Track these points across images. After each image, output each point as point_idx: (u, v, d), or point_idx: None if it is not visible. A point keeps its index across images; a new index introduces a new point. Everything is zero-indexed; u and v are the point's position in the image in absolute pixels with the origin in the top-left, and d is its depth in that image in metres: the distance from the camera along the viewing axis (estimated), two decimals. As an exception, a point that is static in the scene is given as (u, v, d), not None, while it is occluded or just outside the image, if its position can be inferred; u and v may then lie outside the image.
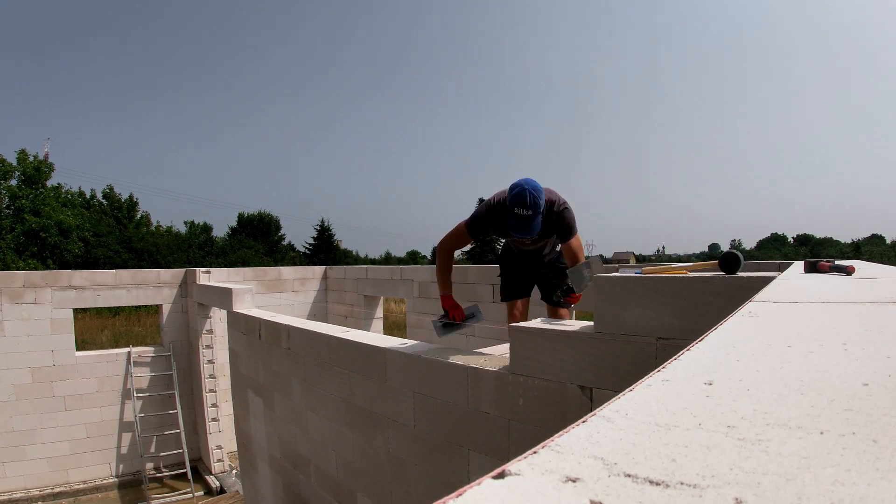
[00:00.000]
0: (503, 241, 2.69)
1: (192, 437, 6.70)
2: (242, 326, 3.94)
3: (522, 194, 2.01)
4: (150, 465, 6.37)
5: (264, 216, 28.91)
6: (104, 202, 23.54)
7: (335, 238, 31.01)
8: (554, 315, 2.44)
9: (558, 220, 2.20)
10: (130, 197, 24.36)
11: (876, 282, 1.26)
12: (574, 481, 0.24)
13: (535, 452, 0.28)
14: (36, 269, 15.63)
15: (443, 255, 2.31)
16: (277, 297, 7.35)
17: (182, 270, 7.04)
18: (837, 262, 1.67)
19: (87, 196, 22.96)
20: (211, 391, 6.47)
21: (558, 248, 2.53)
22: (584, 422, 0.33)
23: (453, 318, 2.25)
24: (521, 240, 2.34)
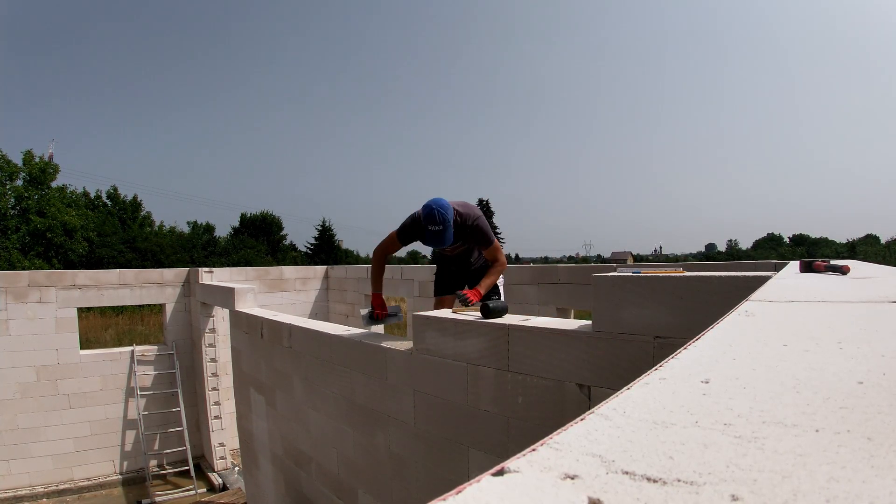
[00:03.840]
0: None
1: (195, 435, 6.73)
2: (245, 325, 3.96)
3: (432, 214, 2.41)
4: (153, 463, 6.41)
5: (266, 216, 28.95)
6: (108, 203, 23.63)
7: (336, 238, 31.05)
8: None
9: (472, 232, 2.56)
10: (134, 198, 24.47)
11: (871, 281, 1.25)
12: (572, 478, 0.25)
13: (533, 450, 0.28)
14: (41, 268, 15.72)
15: (375, 260, 2.67)
16: (279, 297, 7.37)
17: (185, 270, 7.06)
18: (833, 262, 1.67)
19: (92, 196, 23.07)
20: (213, 389, 6.50)
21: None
22: (582, 420, 0.33)
23: (377, 316, 2.62)
24: (442, 249, 2.69)
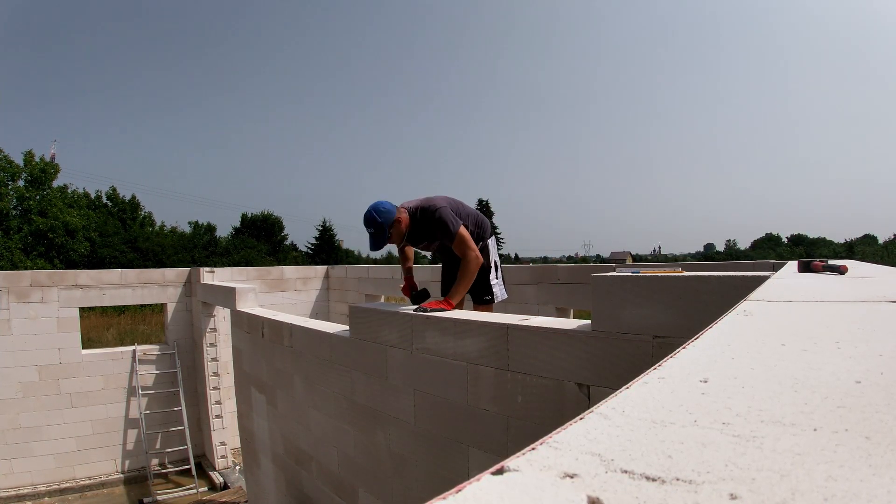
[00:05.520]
0: None
1: (197, 434, 6.74)
2: (246, 325, 3.96)
3: (365, 215, 2.32)
4: (155, 462, 6.42)
5: (267, 217, 28.97)
6: (109, 203, 23.68)
7: (337, 238, 31.07)
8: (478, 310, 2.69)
9: (436, 224, 2.38)
10: (133, 197, 24.52)
11: (868, 281, 1.26)
12: (572, 477, 0.25)
13: (533, 449, 0.28)
14: (43, 268, 15.76)
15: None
16: (280, 297, 7.37)
17: (186, 270, 7.07)
18: (831, 262, 1.67)
19: (93, 197, 23.11)
20: (214, 388, 6.51)
21: (486, 248, 2.69)
22: (581, 419, 0.33)
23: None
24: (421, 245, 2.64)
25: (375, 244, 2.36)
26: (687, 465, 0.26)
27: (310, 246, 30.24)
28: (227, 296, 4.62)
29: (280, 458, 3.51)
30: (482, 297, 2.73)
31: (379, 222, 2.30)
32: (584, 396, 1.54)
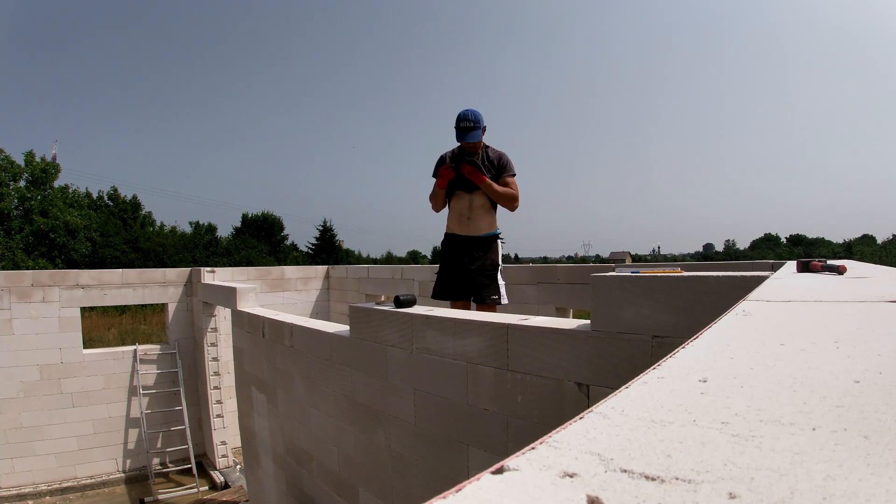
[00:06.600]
0: (443, 237, 3.00)
1: (197, 433, 6.75)
2: (246, 325, 3.97)
3: (465, 112, 2.71)
4: (156, 461, 6.43)
5: (268, 217, 29.00)
6: (110, 203, 23.72)
7: (337, 238, 31.10)
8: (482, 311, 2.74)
9: (500, 160, 2.81)
10: (134, 197, 24.56)
11: (867, 281, 1.25)
12: (571, 476, 0.25)
13: (533, 448, 0.28)
14: (45, 268, 15.79)
15: (435, 200, 2.93)
16: (280, 296, 7.38)
17: (187, 270, 7.07)
18: (829, 262, 1.66)
19: (94, 197, 23.15)
20: (215, 388, 6.52)
21: (491, 254, 2.81)
22: (581, 418, 0.33)
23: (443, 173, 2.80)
24: (464, 180, 2.78)
25: (470, 135, 2.69)
26: (686, 465, 0.26)
27: (310, 246, 30.26)
28: (227, 296, 4.63)
29: (281, 458, 3.52)
30: (489, 297, 2.73)
31: (479, 120, 2.72)
32: (583, 396, 1.54)
